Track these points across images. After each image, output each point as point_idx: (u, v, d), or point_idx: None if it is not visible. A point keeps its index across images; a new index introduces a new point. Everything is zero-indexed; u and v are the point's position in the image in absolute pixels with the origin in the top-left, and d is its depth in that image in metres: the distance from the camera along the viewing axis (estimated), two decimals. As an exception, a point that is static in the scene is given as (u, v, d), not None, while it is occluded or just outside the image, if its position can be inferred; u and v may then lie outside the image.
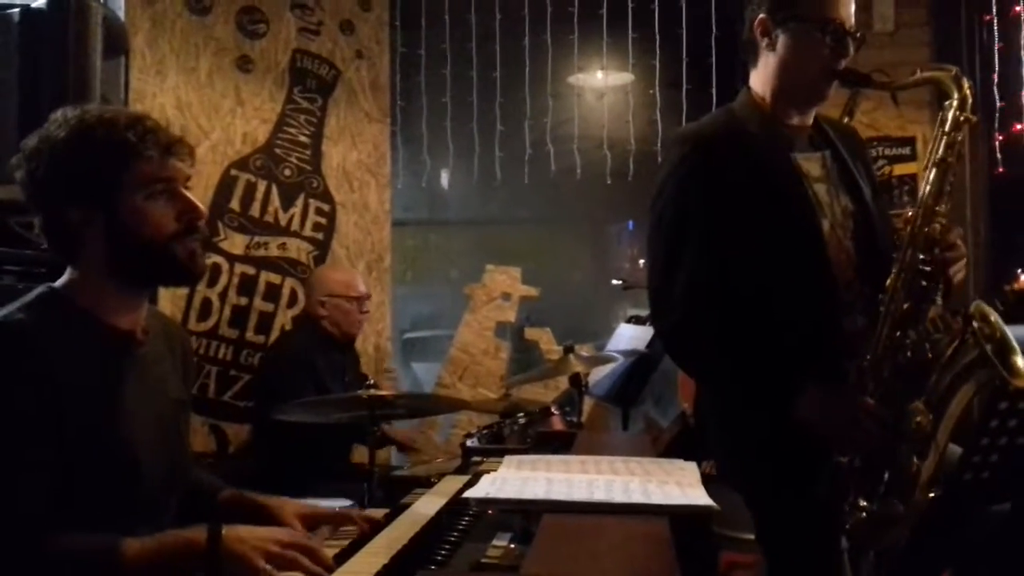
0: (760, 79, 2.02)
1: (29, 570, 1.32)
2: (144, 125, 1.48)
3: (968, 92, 1.88)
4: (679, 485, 1.40)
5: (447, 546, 1.31)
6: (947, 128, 1.87)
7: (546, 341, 4.52)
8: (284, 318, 3.93)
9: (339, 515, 1.66)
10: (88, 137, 1.46)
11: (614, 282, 4.88)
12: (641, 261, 5.73)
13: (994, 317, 1.75)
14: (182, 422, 1.65)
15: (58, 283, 1.53)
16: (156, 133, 1.49)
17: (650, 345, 3.71)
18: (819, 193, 1.97)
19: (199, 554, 1.31)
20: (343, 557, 1.37)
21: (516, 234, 5.91)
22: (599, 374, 3.86)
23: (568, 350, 3.57)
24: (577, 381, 3.50)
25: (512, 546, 1.22)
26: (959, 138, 1.87)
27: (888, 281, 1.85)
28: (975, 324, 1.75)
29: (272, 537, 1.34)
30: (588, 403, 3.86)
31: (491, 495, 1.33)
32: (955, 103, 1.87)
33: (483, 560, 1.16)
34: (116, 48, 3.23)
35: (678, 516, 1.26)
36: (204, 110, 3.79)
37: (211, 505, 1.67)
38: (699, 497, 1.33)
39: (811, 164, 2.00)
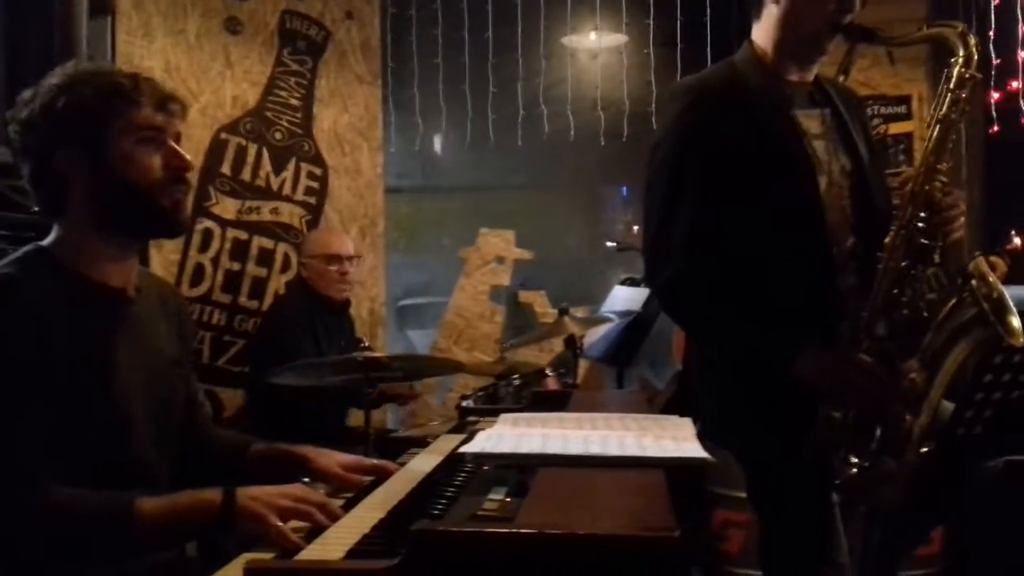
0: (762, 32, 2.00)
1: (37, 524, 1.32)
2: (139, 76, 1.51)
3: (974, 49, 1.85)
4: (674, 439, 1.40)
5: (443, 500, 1.31)
6: (952, 85, 1.86)
7: (540, 304, 4.52)
8: (277, 283, 3.91)
9: (380, 467, 1.66)
10: (82, 82, 1.47)
11: (608, 244, 4.88)
12: (635, 227, 5.72)
13: (992, 276, 1.75)
14: (177, 383, 1.64)
15: (45, 242, 1.52)
16: (151, 84, 1.51)
17: (645, 307, 3.71)
18: (818, 150, 1.96)
19: (214, 512, 1.32)
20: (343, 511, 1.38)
21: (510, 198, 5.88)
22: (594, 336, 3.86)
23: (563, 312, 3.57)
24: (572, 343, 3.51)
25: (508, 499, 1.22)
26: (963, 95, 1.85)
27: (887, 239, 1.85)
28: (974, 282, 1.74)
29: (284, 492, 1.35)
30: (583, 365, 3.87)
31: (487, 450, 1.33)
32: (960, 60, 1.85)
33: (479, 513, 1.16)
34: (102, 8, 3.20)
35: (673, 469, 1.26)
36: (193, 73, 3.74)
37: (241, 459, 1.68)
38: (694, 450, 1.34)
39: (811, 121, 1.99)
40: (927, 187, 1.84)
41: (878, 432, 1.85)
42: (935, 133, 1.86)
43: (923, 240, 1.84)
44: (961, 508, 2.55)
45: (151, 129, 1.49)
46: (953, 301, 1.79)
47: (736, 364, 1.94)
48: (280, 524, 1.27)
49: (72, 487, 1.35)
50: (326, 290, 3.52)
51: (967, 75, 1.85)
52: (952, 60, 1.86)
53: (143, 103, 1.48)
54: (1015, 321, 1.71)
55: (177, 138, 1.54)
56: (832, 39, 1.95)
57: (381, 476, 1.63)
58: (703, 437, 1.45)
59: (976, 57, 1.85)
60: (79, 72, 1.50)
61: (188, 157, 1.53)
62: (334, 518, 1.33)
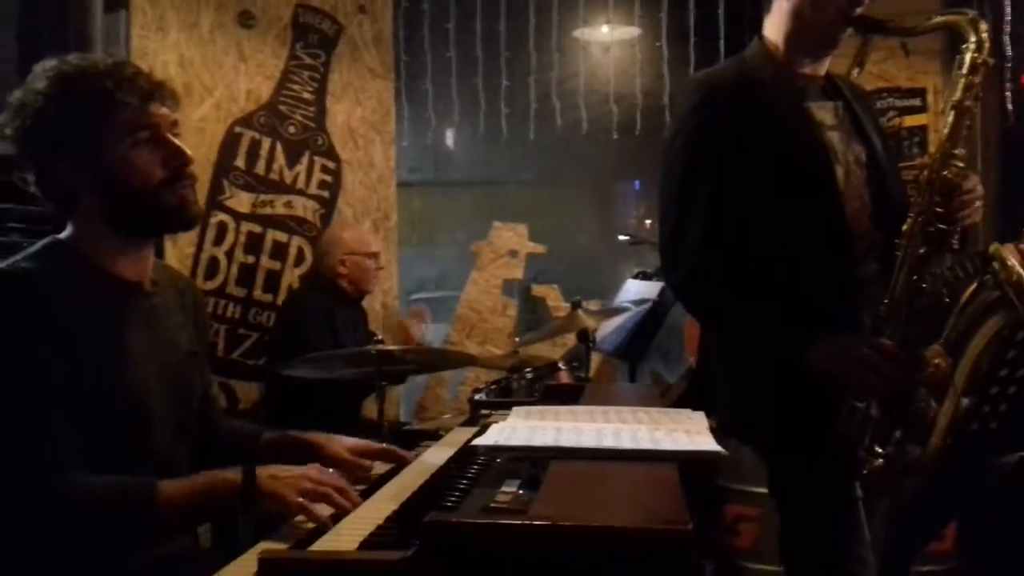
0: (774, 26, 2.00)
1: (63, 510, 1.32)
2: (123, 72, 1.46)
3: (985, 36, 1.86)
4: (687, 433, 1.40)
5: (456, 493, 1.32)
6: (965, 71, 1.86)
7: (554, 298, 4.52)
8: (291, 276, 3.93)
9: (388, 451, 1.68)
10: (66, 88, 1.44)
11: (621, 238, 4.87)
12: (648, 221, 5.72)
13: (1011, 261, 1.74)
14: (195, 375, 1.65)
15: (62, 235, 1.52)
16: (136, 79, 1.46)
17: (657, 301, 3.70)
18: (833, 141, 1.96)
19: (234, 493, 1.33)
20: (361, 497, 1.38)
21: (522, 192, 5.88)
22: (607, 330, 3.86)
23: (576, 306, 3.57)
24: (585, 336, 3.51)
25: (521, 492, 1.22)
26: (976, 81, 1.85)
27: (905, 226, 1.84)
28: (995, 265, 1.74)
29: (305, 474, 1.35)
30: (596, 359, 3.87)
31: (500, 443, 1.33)
32: (972, 46, 1.85)
33: (492, 505, 1.17)
34: (116, 3, 3.21)
35: (686, 462, 1.26)
36: (207, 67, 3.75)
37: (253, 448, 1.69)
38: (707, 443, 1.34)
39: (824, 112, 1.98)
40: (944, 173, 1.84)
41: (902, 420, 1.84)
42: (950, 119, 1.86)
43: (941, 226, 1.84)
44: (975, 504, 2.54)
45: (144, 128, 1.45)
46: (974, 285, 1.79)
47: (759, 357, 1.93)
48: (302, 500, 1.28)
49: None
50: (365, 284, 3.61)
51: (980, 60, 1.85)
52: (964, 47, 1.86)
53: (130, 102, 1.44)
54: None
55: (174, 128, 1.50)
56: (843, 31, 1.95)
57: (390, 461, 1.65)
58: (720, 431, 1.45)
59: (987, 43, 1.86)
60: (63, 74, 1.45)
61: (188, 151, 1.50)
62: (352, 501, 1.34)
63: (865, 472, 1.82)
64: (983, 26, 1.87)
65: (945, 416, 1.77)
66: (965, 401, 1.81)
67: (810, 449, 1.85)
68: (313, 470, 1.38)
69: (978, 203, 1.88)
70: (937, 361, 1.78)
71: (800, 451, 1.87)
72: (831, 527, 1.88)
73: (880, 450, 1.82)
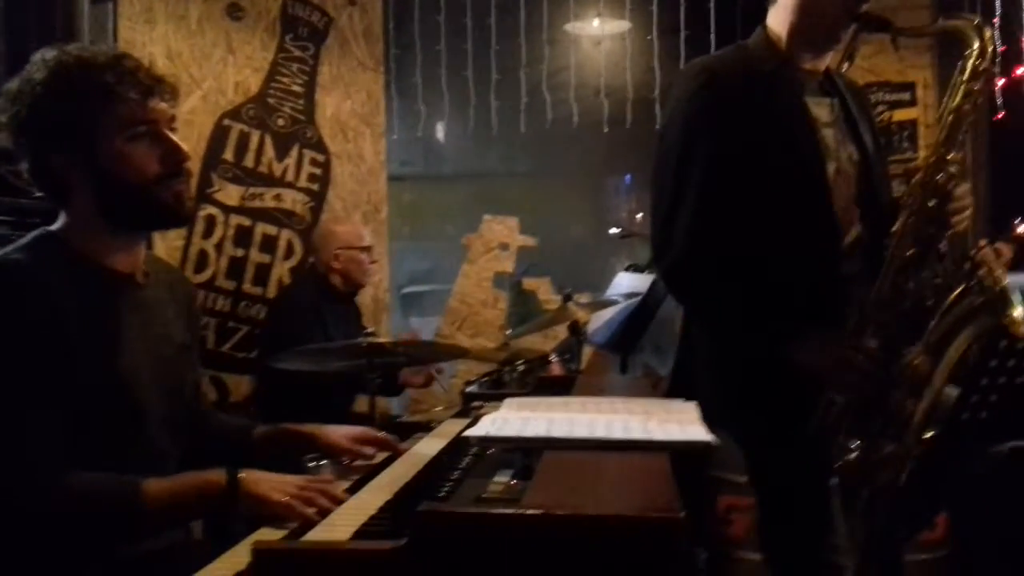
0: (778, 17, 1.99)
1: (48, 508, 1.32)
2: (124, 65, 1.45)
3: (989, 42, 1.85)
4: (679, 423, 1.40)
5: (449, 483, 1.32)
6: (966, 77, 1.85)
7: (544, 291, 4.53)
8: (281, 269, 3.92)
9: (385, 440, 1.68)
10: (66, 80, 1.43)
11: (612, 231, 4.87)
12: (639, 215, 5.72)
13: (996, 266, 1.75)
14: (186, 368, 1.64)
15: (54, 227, 1.51)
16: (136, 73, 1.45)
17: (648, 293, 3.70)
18: (827, 138, 1.96)
19: (218, 494, 1.32)
20: (348, 494, 1.38)
21: (513, 185, 5.88)
22: (598, 322, 3.86)
23: (567, 299, 3.58)
24: (576, 328, 3.51)
25: (513, 482, 1.22)
26: (976, 88, 1.85)
27: (896, 226, 1.85)
28: (980, 272, 1.74)
29: (290, 480, 1.35)
30: (587, 351, 3.88)
31: (492, 434, 1.33)
32: (975, 52, 1.84)
33: (484, 495, 1.17)
34: (104, -7, 3.19)
35: (678, 452, 1.26)
36: (195, 59, 3.74)
37: (246, 443, 1.68)
38: (699, 433, 1.34)
39: (821, 109, 1.99)
40: (937, 177, 1.84)
41: (878, 416, 1.85)
42: (947, 124, 1.86)
43: (931, 230, 1.85)
44: (966, 493, 2.55)
45: (142, 123, 1.45)
46: (960, 289, 1.79)
47: (741, 347, 1.94)
48: (287, 499, 1.28)
49: (84, 471, 1.35)
50: (359, 277, 3.60)
51: (981, 67, 1.84)
52: (967, 52, 1.86)
53: (130, 97, 1.43)
54: (1017, 312, 1.72)
55: (172, 123, 1.49)
56: (847, 28, 1.94)
57: (385, 451, 1.65)
58: (704, 421, 1.45)
59: (991, 50, 1.85)
60: (63, 65, 1.44)
61: (185, 148, 1.49)
62: (337, 502, 1.34)
63: (839, 464, 1.84)
64: (987, 32, 1.85)
65: (922, 414, 1.78)
66: (952, 391, 1.83)
67: (786, 439, 1.86)
68: (299, 477, 1.38)
69: (968, 211, 1.89)
70: (917, 362, 1.79)
71: (777, 441, 1.88)
72: (806, 517, 1.90)
73: (854, 444, 1.83)
